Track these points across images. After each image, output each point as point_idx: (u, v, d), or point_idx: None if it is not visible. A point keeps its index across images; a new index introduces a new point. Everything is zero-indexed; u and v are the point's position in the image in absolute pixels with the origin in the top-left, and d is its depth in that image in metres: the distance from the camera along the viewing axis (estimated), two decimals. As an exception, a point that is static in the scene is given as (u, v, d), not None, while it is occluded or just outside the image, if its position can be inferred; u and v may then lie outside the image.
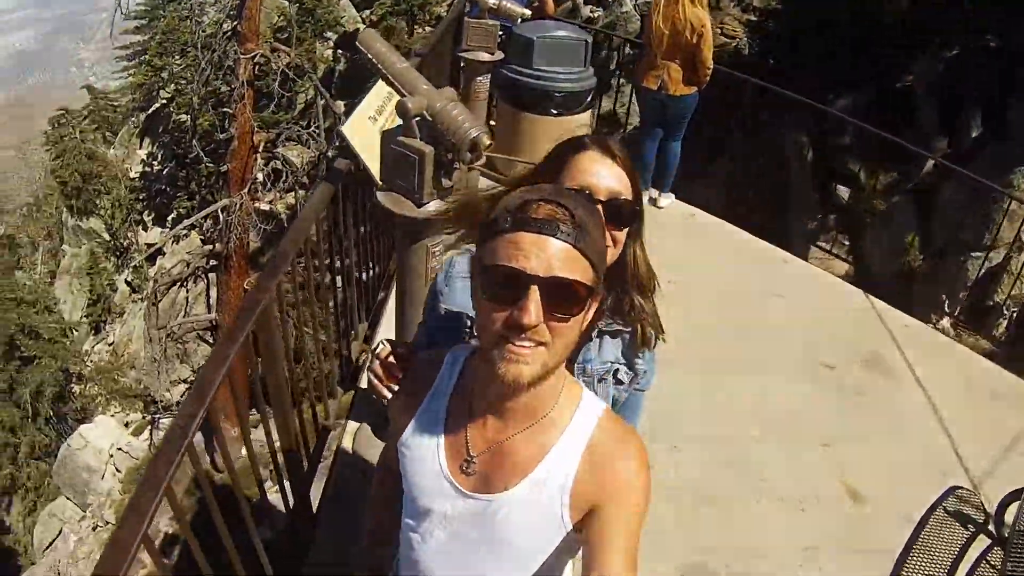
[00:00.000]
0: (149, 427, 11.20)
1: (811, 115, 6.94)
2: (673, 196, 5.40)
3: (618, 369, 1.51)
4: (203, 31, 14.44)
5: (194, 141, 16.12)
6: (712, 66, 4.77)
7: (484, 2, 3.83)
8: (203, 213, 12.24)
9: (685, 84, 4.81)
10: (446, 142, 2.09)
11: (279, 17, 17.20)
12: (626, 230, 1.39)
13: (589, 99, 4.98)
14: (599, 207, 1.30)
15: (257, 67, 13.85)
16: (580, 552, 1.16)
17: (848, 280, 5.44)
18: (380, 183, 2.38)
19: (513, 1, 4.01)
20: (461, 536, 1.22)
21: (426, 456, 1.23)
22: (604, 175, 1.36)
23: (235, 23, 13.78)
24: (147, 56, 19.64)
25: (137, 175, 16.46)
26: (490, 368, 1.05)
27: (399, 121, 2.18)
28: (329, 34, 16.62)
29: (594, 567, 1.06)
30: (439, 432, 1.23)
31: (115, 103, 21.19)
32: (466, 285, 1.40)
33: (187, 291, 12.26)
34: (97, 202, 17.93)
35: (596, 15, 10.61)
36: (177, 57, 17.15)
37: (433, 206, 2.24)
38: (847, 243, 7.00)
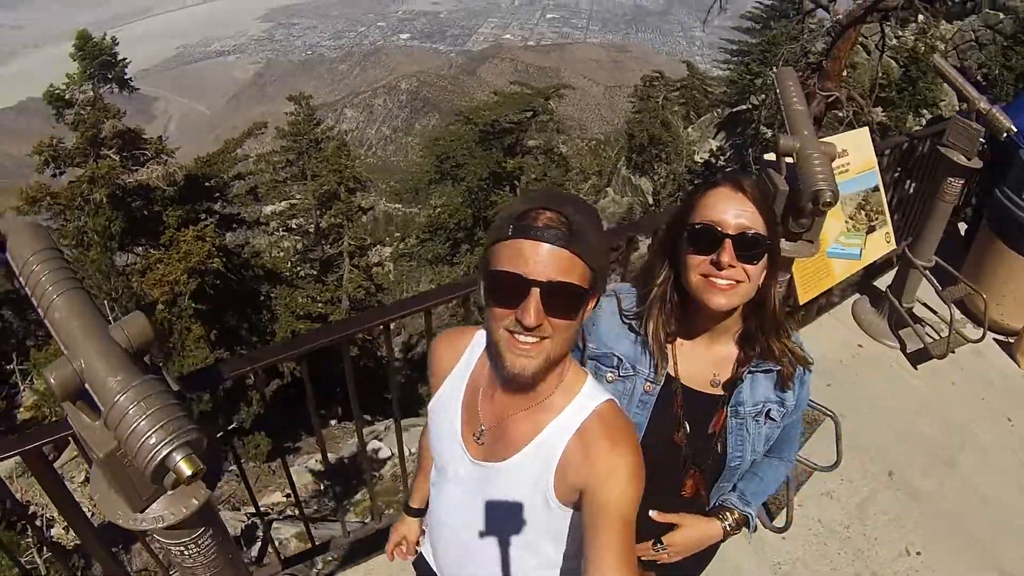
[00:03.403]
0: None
1: None
2: None
3: (770, 408, 1.53)
4: (785, 54, 15.26)
5: (749, 149, 17.28)
6: None
7: (975, 102, 3.57)
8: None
9: None
10: (798, 187, 2.10)
11: (883, 75, 17.13)
12: (759, 265, 1.37)
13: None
14: (727, 241, 1.34)
15: (830, 109, 14.37)
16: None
17: None
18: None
19: (1004, 113, 3.64)
20: (468, 496, 1.36)
21: (447, 422, 1.38)
22: (733, 211, 1.36)
23: (823, 59, 14.36)
24: (748, 59, 21.07)
25: (701, 161, 18.20)
26: (499, 358, 1.17)
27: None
28: (924, 111, 16.00)
29: (589, 560, 1.12)
30: (460, 402, 1.37)
31: (708, 88, 23.09)
32: (610, 325, 1.54)
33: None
34: (655, 166, 20.19)
35: None
36: (774, 69, 18.27)
37: (788, 247, 2.24)
38: None
